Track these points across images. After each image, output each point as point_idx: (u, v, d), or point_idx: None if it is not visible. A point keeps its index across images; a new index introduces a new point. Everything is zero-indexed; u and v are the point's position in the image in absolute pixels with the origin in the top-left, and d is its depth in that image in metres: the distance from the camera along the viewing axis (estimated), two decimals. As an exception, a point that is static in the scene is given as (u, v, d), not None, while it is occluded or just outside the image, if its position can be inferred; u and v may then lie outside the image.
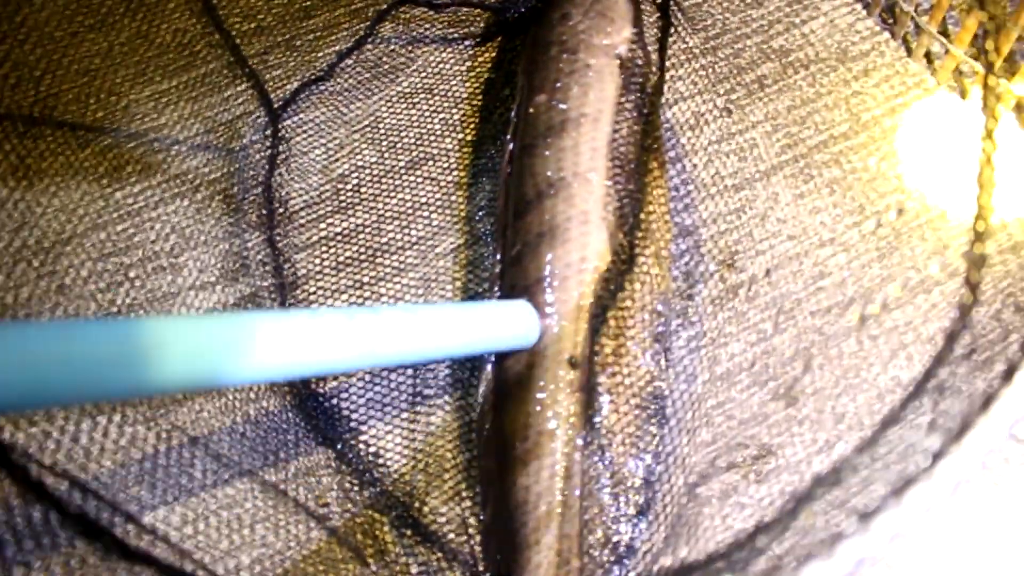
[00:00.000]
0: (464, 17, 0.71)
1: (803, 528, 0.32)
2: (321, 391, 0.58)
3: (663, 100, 0.66)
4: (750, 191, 0.63)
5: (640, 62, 0.61)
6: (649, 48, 0.65)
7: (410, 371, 0.60)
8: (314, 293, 0.62)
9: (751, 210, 0.63)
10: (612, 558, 0.49)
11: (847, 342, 0.59)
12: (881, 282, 0.61)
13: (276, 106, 0.65)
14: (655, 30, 0.68)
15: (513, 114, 0.62)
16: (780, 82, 0.67)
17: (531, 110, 0.59)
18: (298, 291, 0.62)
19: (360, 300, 0.62)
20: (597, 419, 0.53)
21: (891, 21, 0.69)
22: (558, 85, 0.59)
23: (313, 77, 0.68)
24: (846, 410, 0.57)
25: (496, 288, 0.58)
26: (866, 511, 0.24)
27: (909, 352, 0.59)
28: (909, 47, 0.68)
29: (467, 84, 0.69)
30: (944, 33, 0.67)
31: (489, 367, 0.57)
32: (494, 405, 0.54)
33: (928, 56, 0.68)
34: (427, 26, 0.71)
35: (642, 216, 0.57)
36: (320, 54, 0.71)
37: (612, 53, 0.60)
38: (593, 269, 0.54)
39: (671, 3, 0.66)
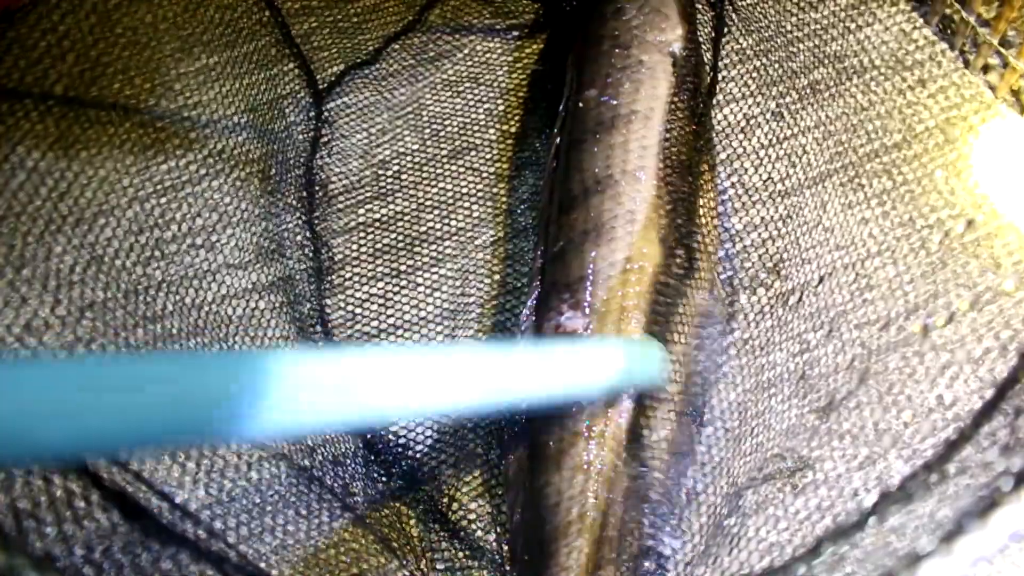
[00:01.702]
0: (512, 7, 0.70)
1: (872, 546, 0.31)
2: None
3: (714, 101, 0.65)
4: (798, 198, 0.62)
5: (694, 61, 0.60)
6: (702, 47, 0.64)
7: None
8: (350, 279, 0.61)
9: (799, 217, 0.61)
10: (649, 568, 0.48)
11: (892, 357, 0.58)
12: (929, 298, 0.59)
13: (321, 88, 0.65)
14: (708, 29, 0.66)
15: (561, 108, 0.61)
16: (833, 88, 0.66)
17: (580, 104, 0.58)
18: (334, 276, 0.62)
19: (397, 288, 0.61)
20: (638, 424, 0.52)
21: (950, 31, 0.68)
22: (609, 80, 0.58)
23: (358, 61, 0.67)
24: (889, 426, 0.56)
25: (536, 283, 0.57)
26: (947, 532, 0.23)
27: (955, 371, 0.57)
28: (967, 59, 0.67)
29: (513, 75, 0.68)
30: (1005, 45, 0.65)
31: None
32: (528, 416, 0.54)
33: (986, 69, 0.66)
34: (475, 15, 0.70)
35: (693, 219, 0.56)
36: (366, 37, 0.70)
37: (665, 50, 0.59)
38: (639, 269, 0.53)
39: (726, 3, 0.65)
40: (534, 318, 0.56)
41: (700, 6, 0.65)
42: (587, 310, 0.53)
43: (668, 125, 0.57)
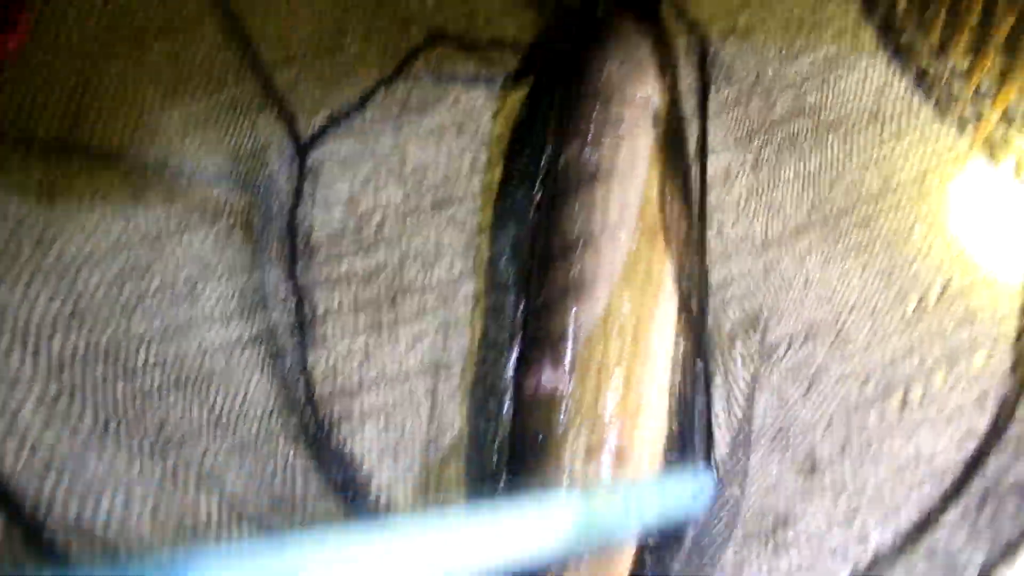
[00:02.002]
0: (495, 56, 0.71)
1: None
2: (339, 447, 0.58)
3: (691, 149, 0.66)
4: (778, 251, 0.63)
5: (675, 114, 0.61)
6: (683, 100, 0.64)
7: (423, 420, 0.59)
8: (333, 332, 0.61)
9: (779, 271, 0.62)
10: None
11: (871, 412, 0.58)
12: (907, 352, 0.60)
13: (304, 141, 0.65)
14: (690, 81, 0.67)
15: (543, 161, 0.61)
16: (811, 139, 0.67)
17: (561, 160, 0.58)
18: (317, 329, 0.62)
19: (379, 343, 0.61)
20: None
21: (925, 83, 0.69)
22: (590, 136, 0.58)
23: (342, 112, 0.67)
24: (867, 481, 0.57)
25: (517, 339, 0.57)
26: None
27: (934, 427, 0.58)
28: (942, 110, 0.68)
29: (497, 124, 0.68)
30: (979, 97, 0.66)
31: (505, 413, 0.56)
32: (510, 468, 0.54)
33: (961, 120, 0.67)
34: (458, 63, 0.70)
35: (673, 274, 0.56)
36: (350, 86, 0.70)
37: (646, 105, 0.59)
38: (619, 327, 0.54)
39: (708, 56, 0.65)
40: (516, 375, 0.56)
41: (682, 59, 0.66)
42: (568, 369, 0.53)
43: (649, 180, 0.58)
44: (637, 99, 0.60)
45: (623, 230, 0.55)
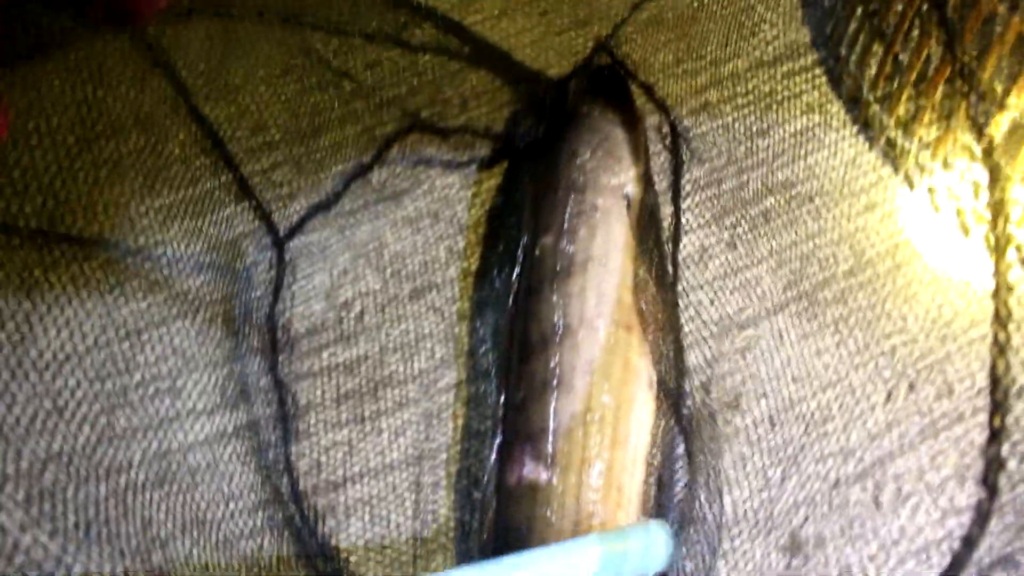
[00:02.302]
0: (470, 141, 0.72)
1: None
2: (324, 541, 0.58)
3: (666, 233, 0.66)
4: (755, 329, 0.63)
5: (649, 201, 0.62)
6: (655, 185, 0.65)
7: (408, 512, 0.59)
8: (315, 425, 0.62)
9: (756, 349, 0.63)
10: None
11: (853, 490, 0.59)
12: (885, 428, 0.61)
13: (282, 233, 0.65)
14: (662, 161, 0.68)
15: (520, 251, 0.62)
16: (784, 215, 0.68)
17: (537, 251, 0.59)
18: (299, 422, 0.62)
19: (362, 435, 0.61)
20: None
21: (893, 156, 0.70)
22: (565, 226, 0.59)
23: (319, 203, 0.68)
24: (851, 561, 0.57)
25: (499, 431, 0.57)
26: None
27: (916, 501, 0.58)
28: (911, 181, 0.69)
29: (472, 210, 0.69)
30: (946, 168, 0.67)
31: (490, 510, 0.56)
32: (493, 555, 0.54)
33: (931, 191, 0.68)
34: (433, 150, 0.71)
35: (651, 360, 0.57)
36: (327, 174, 0.71)
37: (620, 193, 0.60)
38: (599, 418, 0.54)
39: (680, 138, 0.67)
40: (498, 468, 0.56)
41: (653, 143, 0.67)
42: (549, 461, 0.54)
43: (625, 269, 0.58)
44: (611, 187, 0.60)
45: (600, 320, 0.56)
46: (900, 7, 0.66)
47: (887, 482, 0.59)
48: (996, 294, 0.47)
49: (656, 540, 0.50)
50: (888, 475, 0.59)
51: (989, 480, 0.38)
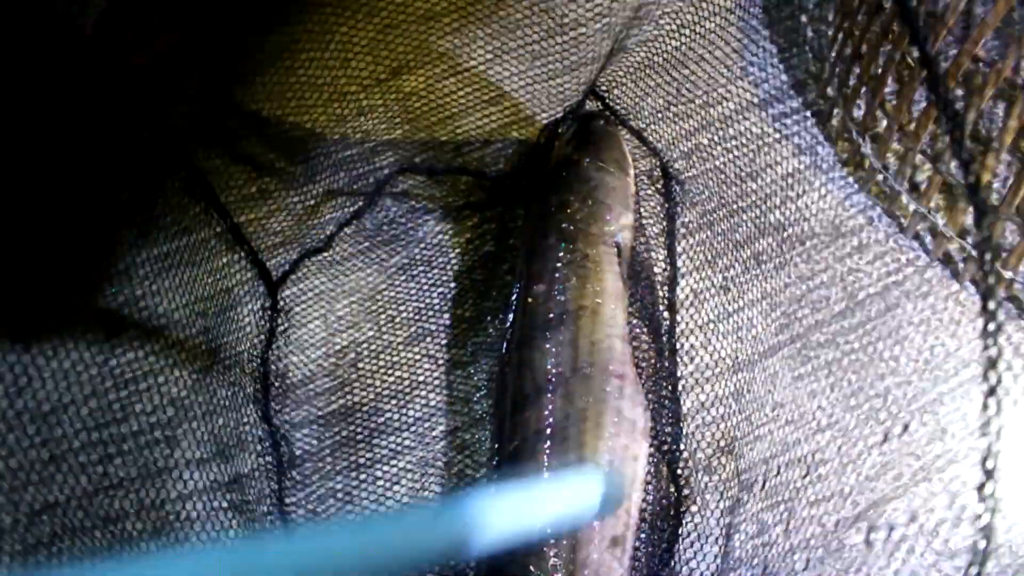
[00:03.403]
0: (464, 187, 0.72)
1: None
2: None
3: (659, 278, 0.67)
4: (748, 373, 0.63)
5: (640, 248, 0.62)
6: (647, 228, 0.66)
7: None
8: (310, 474, 0.62)
9: (749, 393, 0.63)
10: None
11: (848, 533, 0.59)
12: (880, 470, 0.61)
13: (275, 279, 0.66)
14: (654, 206, 0.69)
15: (513, 299, 0.62)
16: (776, 258, 0.68)
17: (529, 300, 0.59)
18: (294, 472, 0.62)
19: (357, 483, 0.61)
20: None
21: (883, 197, 0.70)
22: (556, 276, 0.59)
23: (312, 248, 0.68)
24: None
25: (495, 478, 0.57)
26: None
27: (911, 545, 0.58)
28: (901, 223, 0.69)
29: (466, 257, 0.69)
30: (935, 210, 0.68)
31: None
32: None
33: (920, 234, 0.69)
34: (427, 196, 0.72)
35: (645, 407, 0.57)
36: (320, 220, 0.71)
37: (610, 242, 0.61)
38: (594, 468, 0.54)
39: (672, 183, 0.67)
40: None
41: (644, 188, 0.67)
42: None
43: (616, 317, 0.59)
44: (601, 236, 0.61)
45: (592, 369, 0.56)
46: (886, 49, 0.67)
47: (881, 526, 0.59)
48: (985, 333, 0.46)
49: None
50: (883, 519, 0.59)
51: (983, 516, 0.38)
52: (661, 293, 0.64)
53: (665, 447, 0.60)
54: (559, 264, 0.60)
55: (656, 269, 0.66)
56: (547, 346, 0.57)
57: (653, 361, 0.62)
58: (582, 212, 0.61)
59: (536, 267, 0.61)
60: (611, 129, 0.67)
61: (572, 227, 0.61)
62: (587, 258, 0.60)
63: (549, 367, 0.57)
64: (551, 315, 0.58)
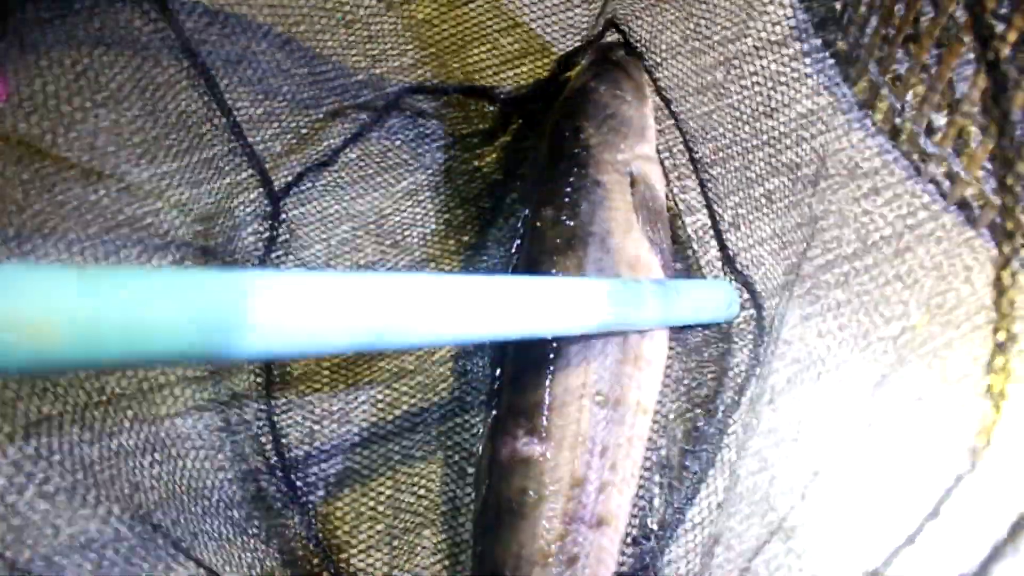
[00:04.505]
0: (473, 114, 0.71)
1: None
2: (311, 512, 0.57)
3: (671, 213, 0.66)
4: (755, 311, 0.62)
5: (652, 179, 0.61)
6: (663, 164, 0.65)
7: (402, 486, 0.58)
8: (305, 393, 0.61)
9: (756, 331, 0.62)
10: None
11: (850, 475, 0.58)
12: (883, 413, 0.60)
13: (278, 189, 0.65)
14: (667, 139, 0.67)
15: (520, 223, 0.61)
16: (789, 198, 0.67)
17: (538, 223, 0.58)
18: (289, 390, 0.61)
19: (355, 404, 0.60)
20: (588, 549, 0.52)
21: (901, 141, 0.69)
22: (567, 200, 0.58)
23: (317, 163, 0.67)
24: (845, 547, 0.56)
25: (493, 406, 0.57)
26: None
27: (913, 493, 0.58)
28: (918, 167, 0.68)
29: (473, 184, 0.68)
30: (955, 153, 0.67)
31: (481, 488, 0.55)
32: (485, 535, 0.53)
33: (937, 178, 0.68)
34: (435, 122, 0.70)
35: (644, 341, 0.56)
36: (328, 143, 0.70)
37: (623, 170, 0.59)
38: (595, 395, 0.53)
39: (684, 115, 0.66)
40: (491, 441, 0.55)
41: (662, 120, 0.66)
42: (543, 436, 0.53)
43: (623, 245, 0.58)
44: (614, 164, 0.60)
45: None
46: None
47: (885, 468, 0.58)
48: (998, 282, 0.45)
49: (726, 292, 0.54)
50: (886, 461, 0.59)
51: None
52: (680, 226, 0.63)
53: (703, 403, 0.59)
54: (569, 189, 0.59)
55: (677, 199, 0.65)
56: (552, 271, 0.56)
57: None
58: (596, 139, 0.60)
59: (546, 192, 0.60)
60: (630, 59, 0.66)
61: (585, 153, 0.60)
62: (599, 185, 0.59)
63: None
64: (559, 240, 0.57)
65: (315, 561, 0.56)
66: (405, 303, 0.34)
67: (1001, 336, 0.43)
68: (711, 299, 0.57)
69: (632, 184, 0.59)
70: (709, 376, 0.60)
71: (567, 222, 0.57)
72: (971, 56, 0.68)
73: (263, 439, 0.60)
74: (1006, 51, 0.54)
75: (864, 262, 0.65)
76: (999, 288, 0.44)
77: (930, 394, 0.60)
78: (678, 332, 0.60)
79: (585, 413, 0.53)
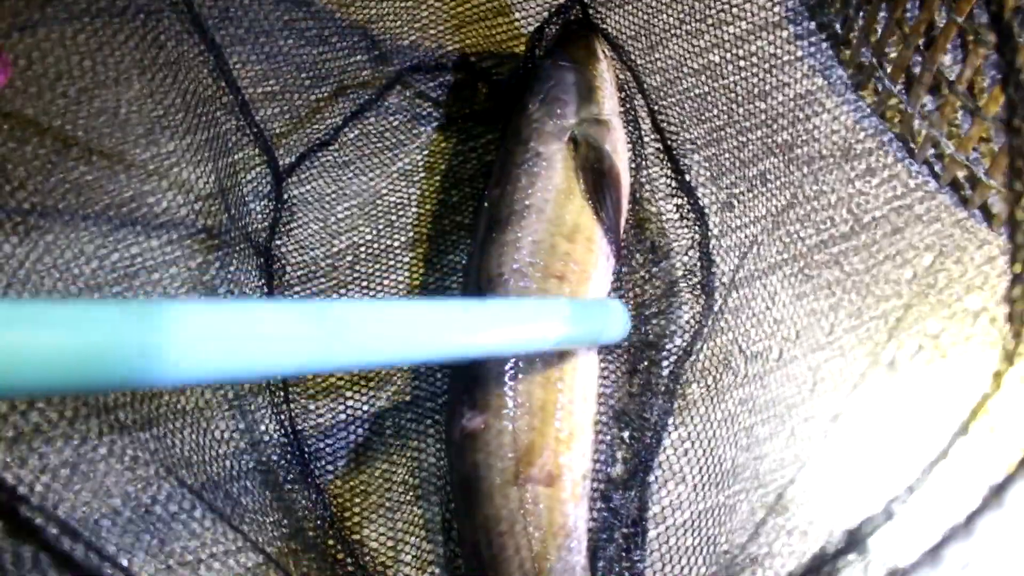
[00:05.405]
0: (468, 96, 0.71)
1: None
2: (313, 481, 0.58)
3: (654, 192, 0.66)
4: (749, 289, 0.63)
5: (602, 138, 0.60)
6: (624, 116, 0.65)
7: (400, 459, 0.59)
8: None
9: (749, 309, 0.62)
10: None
11: (840, 451, 0.59)
12: (876, 392, 0.60)
13: (281, 169, 0.65)
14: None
15: (480, 203, 0.62)
16: (782, 178, 0.67)
17: (486, 204, 0.59)
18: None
19: (351, 383, 0.61)
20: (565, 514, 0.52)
21: (896, 121, 0.69)
22: (509, 176, 0.59)
23: (319, 142, 0.67)
24: (836, 523, 0.57)
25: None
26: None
27: (903, 467, 0.58)
28: (912, 148, 0.68)
29: (468, 165, 0.69)
30: (949, 136, 0.67)
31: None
32: (456, 509, 0.54)
33: (929, 160, 0.68)
34: (431, 104, 0.71)
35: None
36: (328, 117, 0.71)
37: (564, 137, 0.60)
38: (528, 365, 0.54)
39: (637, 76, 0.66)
40: (447, 424, 0.57)
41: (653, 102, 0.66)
42: (484, 408, 0.53)
43: (561, 214, 0.58)
44: (555, 132, 0.60)
45: (531, 268, 0.56)
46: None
47: (876, 446, 0.59)
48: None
49: (616, 312, 0.53)
50: (877, 438, 0.59)
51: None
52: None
53: (653, 357, 0.59)
54: (511, 166, 0.59)
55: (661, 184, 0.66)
56: (491, 248, 0.57)
57: (643, 273, 0.61)
58: (538, 112, 0.61)
59: (496, 169, 0.61)
60: (582, 32, 0.66)
61: (527, 128, 0.60)
62: (539, 156, 0.59)
63: (492, 268, 0.56)
64: (500, 216, 0.58)
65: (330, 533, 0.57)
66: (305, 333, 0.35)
67: (1017, 268, 0.42)
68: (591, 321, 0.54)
69: (576, 148, 0.59)
70: (654, 327, 0.61)
71: (509, 197, 0.58)
72: (964, 39, 0.69)
73: (271, 406, 0.61)
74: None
75: (857, 242, 0.65)
76: (1013, 224, 0.44)
77: (920, 373, 0.61)
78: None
79: (521, 380, 0.53)
